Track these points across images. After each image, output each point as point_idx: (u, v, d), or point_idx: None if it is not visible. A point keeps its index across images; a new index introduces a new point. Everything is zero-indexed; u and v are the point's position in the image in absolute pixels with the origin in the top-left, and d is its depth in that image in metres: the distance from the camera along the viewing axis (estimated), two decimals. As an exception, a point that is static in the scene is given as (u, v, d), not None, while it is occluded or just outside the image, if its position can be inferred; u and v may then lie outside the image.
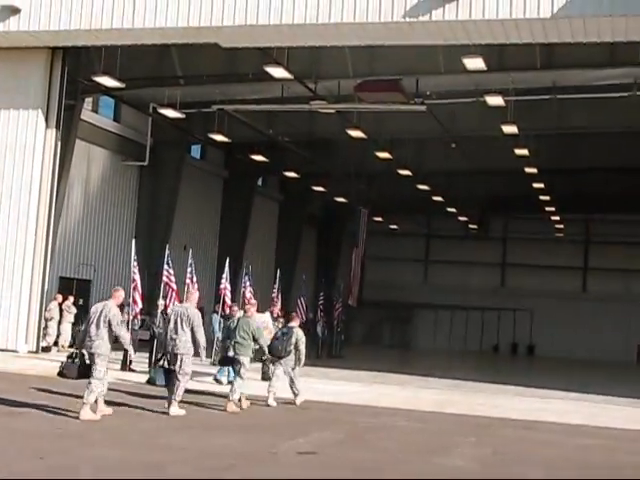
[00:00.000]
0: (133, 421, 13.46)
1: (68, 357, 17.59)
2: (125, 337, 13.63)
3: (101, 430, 12.18)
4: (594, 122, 34.02)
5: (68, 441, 11.30)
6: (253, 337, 15.52)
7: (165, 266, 22.68)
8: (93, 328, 13.29)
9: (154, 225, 37.37)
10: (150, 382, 18.03)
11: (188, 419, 13.83)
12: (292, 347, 16.56)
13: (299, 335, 16.67)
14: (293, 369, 16.67)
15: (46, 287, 26.84)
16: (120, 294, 13.95)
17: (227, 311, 23.01)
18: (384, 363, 23.95)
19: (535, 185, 42.22)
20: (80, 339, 14.40)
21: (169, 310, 16.99)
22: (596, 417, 18.36)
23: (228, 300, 24.82)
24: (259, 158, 39.53)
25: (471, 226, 57.15)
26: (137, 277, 21.50)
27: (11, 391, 15.41)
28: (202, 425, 13.57)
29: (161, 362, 15.53)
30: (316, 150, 39.79)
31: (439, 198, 46.70)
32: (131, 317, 21.31)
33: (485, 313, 57.56)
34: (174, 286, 22.49)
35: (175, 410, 13.98)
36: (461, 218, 54.30)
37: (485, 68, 26.20)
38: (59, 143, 25.90)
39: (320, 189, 46.61)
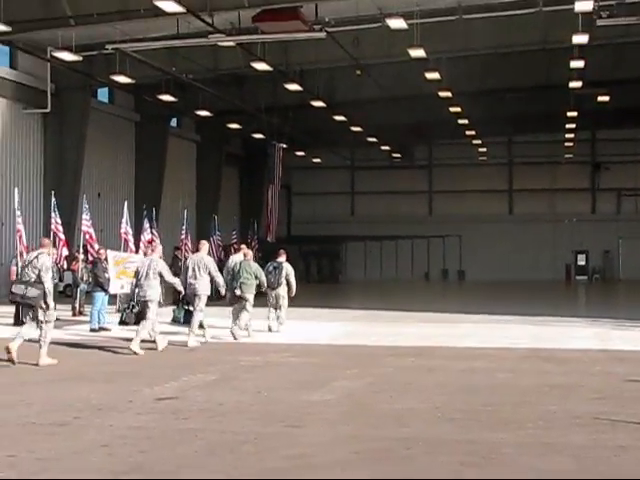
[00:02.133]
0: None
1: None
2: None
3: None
4: (503, 41, 33.52)
5: None
6: (255, 276, 18.23)
7: (83, 215, 22.19)
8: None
9: (63, 174, 36.21)
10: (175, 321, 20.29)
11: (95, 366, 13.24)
12: (283, 279, 19.50)
13: (288, 269, 19.71)
14: (284, 298, 19.70)
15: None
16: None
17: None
18: (304, 299, 23.54)
19: (452, 109, 41.73)
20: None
21: (188, 259, 18.24)
22: (495, 338, 18.27)
23: (131, 245, 24.20)
24: (168, 98, 38.41)
25: (395, 155, 56.65)
26: (21, 227, 20.69)
27: None
28: (93, 371, 12.98)
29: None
30: (226, 87, 38.86)
31: (358, 128, 46.02)
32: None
33: (414, 242, 57.43)
34: (92, 234, 22.08)
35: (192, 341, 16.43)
36: (383, 147, 53.73)
37: (383, -10, 25.54)
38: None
39: (236, 126, 45.68)
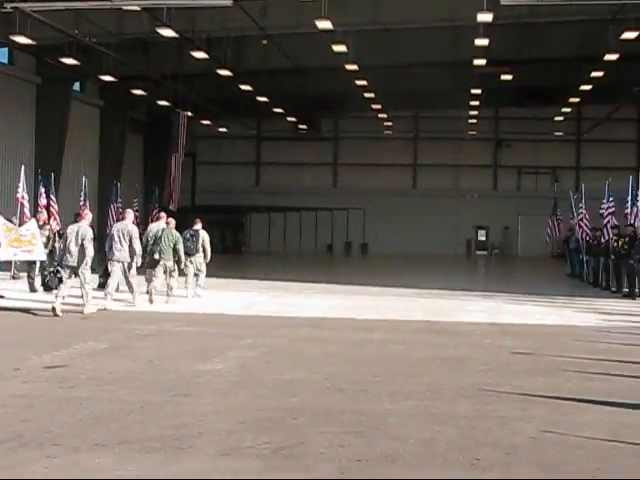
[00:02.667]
0: None
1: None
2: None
3: None
4: (410, 17, 33.74)
5: None
6: (175, 244, 19.34)
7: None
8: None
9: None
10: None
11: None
12: (200, 246, 20.73)
13: (205, 237, 20.95)
14: (202, 264, 20.96)
15: None
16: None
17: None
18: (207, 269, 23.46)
19: (358, 82, 41.83)
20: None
21: (113, 227, 19.05)
22: (391, 311, 18.50)
23: (27, 211, 23.71)
24: (71, 62, 37.56)
25: (301, 127, 56.61)
26: None
27: None
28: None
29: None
30: (131, 52, 38.16)
31: (264, 99, 45.80)
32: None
33: (318, 214, 57.59)
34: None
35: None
36: (290, 119, 53.64)
37: (289, -41, 25.40)
38: None
39: (141, 93, 44.98)
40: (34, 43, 34.02)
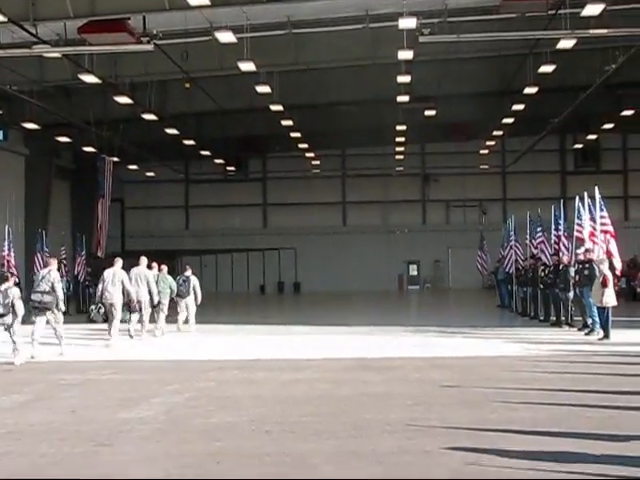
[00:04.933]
0: None
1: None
2: None
3: None
4: (333, 56, 34.05)
5: None
6: (170, 287, 22.75)
7: None
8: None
9: None
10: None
11: None
12: (192, 290, 23.83)
13: (195, 281, 24.10)
14: (192, 305, 24.23)
15: None
16: None
17: None
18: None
19: (284, 122, 42.05)
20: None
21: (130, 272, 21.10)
22: (322, 349, 18.51)
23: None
24: (-9, 110, 37.21)
25: (229, 168, 56.61)
26: None
27: None
28: None
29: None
30: (54, 99, 37.92)
31: (190, 142, 45.74)
32: None
33: (250, 255, 57.49)
34: None
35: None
36: (217, 161, 53.63)
37: (208, 3, 25.45)
38: None
39: (66, 140, 44.57)
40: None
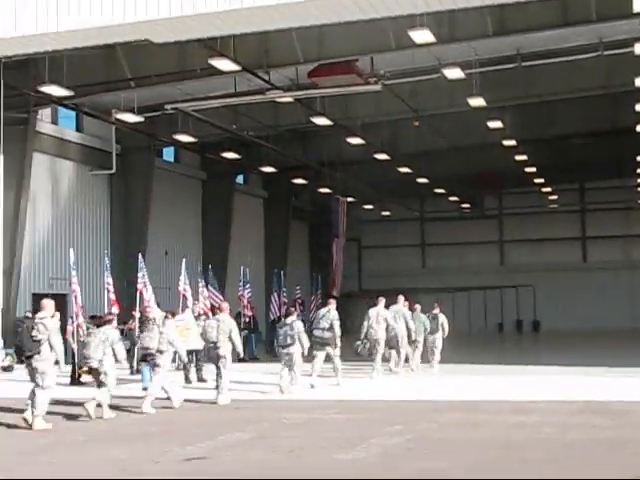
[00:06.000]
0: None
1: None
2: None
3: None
4: (565, 87, 33.15)
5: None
6: (424, 325, 23.17)
7: (139, 274, 22.29)
8: None
9: (129, 233, 36.67)
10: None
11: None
12: (440, 326, 23.70)
13: (443, 319, 23.91)
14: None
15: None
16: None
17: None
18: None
19: (518, 157, 41.29)
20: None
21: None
22: (557, 390, 17.68)
23: (189, 303, 24.21)
24: (232, 156, 38.77)
25: (464, 205, 56.17)
26: (77, 287, 20.93)
27: None
28: (108, 434, 12.88)
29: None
30: (289, 142, 39.06)
31: (424, 180, 45.77)
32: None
33: (487, 292, 56.54)
34: (145, 293, 22.03)
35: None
36: (452, 198, 53.33)
37: (434, 40, 25.40)
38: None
39: (302, 182, 45.76)
40: (196, 141, 35.42)
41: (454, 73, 28.24)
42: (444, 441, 11.74)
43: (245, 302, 28.15)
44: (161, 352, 15.99)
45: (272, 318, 33.08)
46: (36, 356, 13.41)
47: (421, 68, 29.52)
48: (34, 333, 13.43)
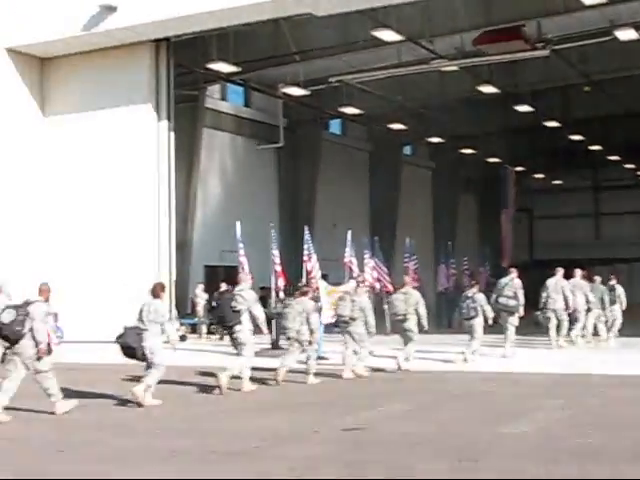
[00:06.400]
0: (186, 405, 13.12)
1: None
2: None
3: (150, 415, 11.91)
4: None
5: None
6: (602, 297, 22.28)
7: (305, 246, 22.51)
8: None
9: (297, 206, 37.18)
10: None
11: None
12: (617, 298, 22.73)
13: (620, 290, 22.97)
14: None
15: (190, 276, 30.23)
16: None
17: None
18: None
19: (698, 121, 39.37)
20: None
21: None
22: None
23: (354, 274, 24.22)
24: (399, 127, 38.62)
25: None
26: (244, 259, 21.38)
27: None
28: (273, 403, 13.10)
29: None
30: (455, 111, 38.48)
31: (597, 147, 44.27)
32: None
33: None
34: (310, 267, 22.20)
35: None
36: (627, 166, 51.32)
37: (606, 0, 24.53)
38: (172, 134, 25.76)
39: (469, 151, 45.09)
40: (362, 112, 35.46)
41: (627, 34, 27.18)
42: (607, 416, 11.32)
43: (411, 273, 27.95)
44: (353, 319, 16.20)
45: (439, 290, 32.89)
46: (237, 327, 14.08)
47: (591, 30, 28.43)
48: (233, 304, 14.16)
